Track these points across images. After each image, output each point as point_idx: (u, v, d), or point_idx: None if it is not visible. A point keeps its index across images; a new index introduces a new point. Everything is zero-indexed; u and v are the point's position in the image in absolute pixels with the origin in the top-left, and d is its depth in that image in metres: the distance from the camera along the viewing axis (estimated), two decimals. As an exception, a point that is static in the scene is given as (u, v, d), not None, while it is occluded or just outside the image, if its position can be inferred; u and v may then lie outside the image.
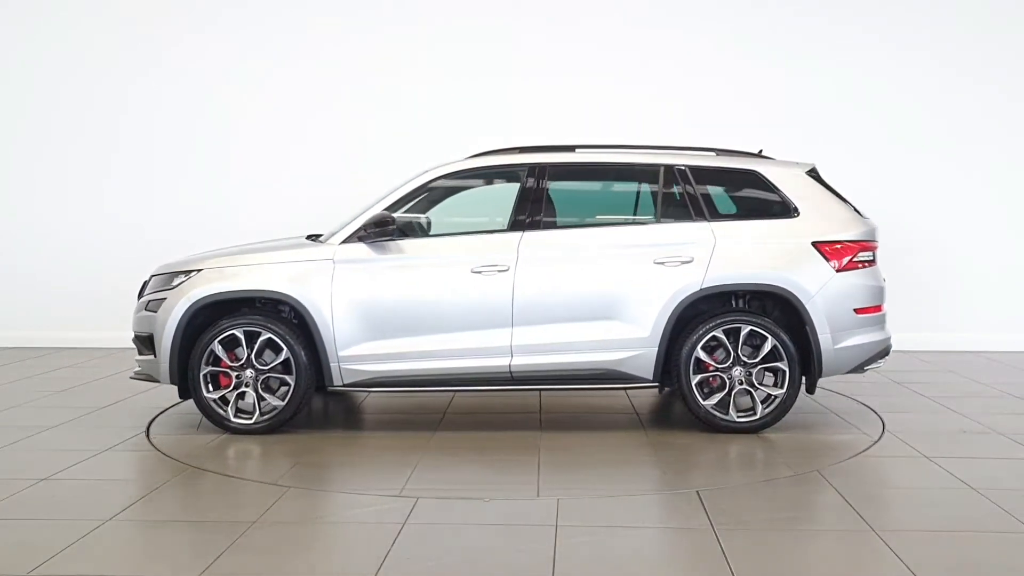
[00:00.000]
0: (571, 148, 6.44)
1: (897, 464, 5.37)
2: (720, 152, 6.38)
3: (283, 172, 9.97)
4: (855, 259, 5.93)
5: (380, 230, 5.99)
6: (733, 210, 6.18)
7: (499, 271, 5.93)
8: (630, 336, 5.88)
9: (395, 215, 6.12)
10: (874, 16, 9.62)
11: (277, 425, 6.01)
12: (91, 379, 8.06)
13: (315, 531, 4.27)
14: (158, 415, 6.59)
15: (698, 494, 4.71)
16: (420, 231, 6.48)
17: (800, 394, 6.05)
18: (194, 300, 6.00)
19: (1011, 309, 9.53)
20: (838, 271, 5.88)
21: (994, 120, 9.57)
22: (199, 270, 6.15)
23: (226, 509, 4.62)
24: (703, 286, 5.85)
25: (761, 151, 6.51)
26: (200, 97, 10.03)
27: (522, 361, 5.93)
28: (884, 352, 6.11)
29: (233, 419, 5.99)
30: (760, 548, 4.01)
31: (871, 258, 6.00)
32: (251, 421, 5.99)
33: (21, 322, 9.99)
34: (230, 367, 5.98)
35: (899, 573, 3.71)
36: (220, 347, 5.96)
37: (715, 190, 6.18)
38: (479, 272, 5.93)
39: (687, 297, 5.85)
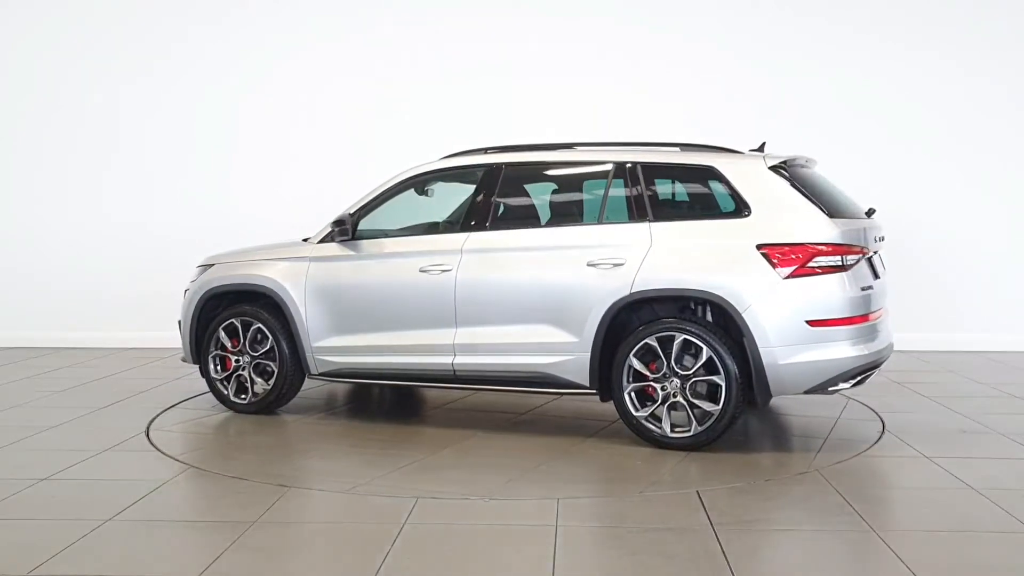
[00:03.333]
0: (546, 147, 6.28)
1: (897, 464, 5.37)
2: (685, 147, 5.96)
3: (284, 172, 9.97)
4: (809, 264, 5.25)
5: (340, 230, 6.33)
6: (681, 209, 5.83)
7: (443, 271, 5.98)
8: (563, 340, 5.66)
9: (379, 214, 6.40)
10: (874, 15, 9.63)
11: (265, 407, 6.54)
12: (91, 379, 8.05)
13: (315, 531, 4.27)
14: (158, 415, 6.59)
15: (698, 494, 4.71)
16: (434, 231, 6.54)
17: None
18: (204, 291, 6.76)
19: (1011, 309, 9.52)
20: (786, 278, 5.24)
21: (996, 120, 9.56)
22: (213, 265, 6.87)
23: (226, 509, 4.61)
24: (632, 290, 5.47)
25: (763, 145, 6.17)
26: (199, 97, 10.03)
27: (463, 360, 5.95)
28: (861, 370, 5.43)
29: (232, 398, 6.61)
30: (760, 548, 4.01)
31: (839, 264, 5.28)
32: (245, 402, 6.58)
33: (21, 322, 9.99)
34: (230, 352, 6.59)
35: (899, 573, 3.71)
36: (224, 334, 6.60)
37: (666, 188, 5.84)
38: (426, 271, 6.02)
39: (617, 301, 5.49)
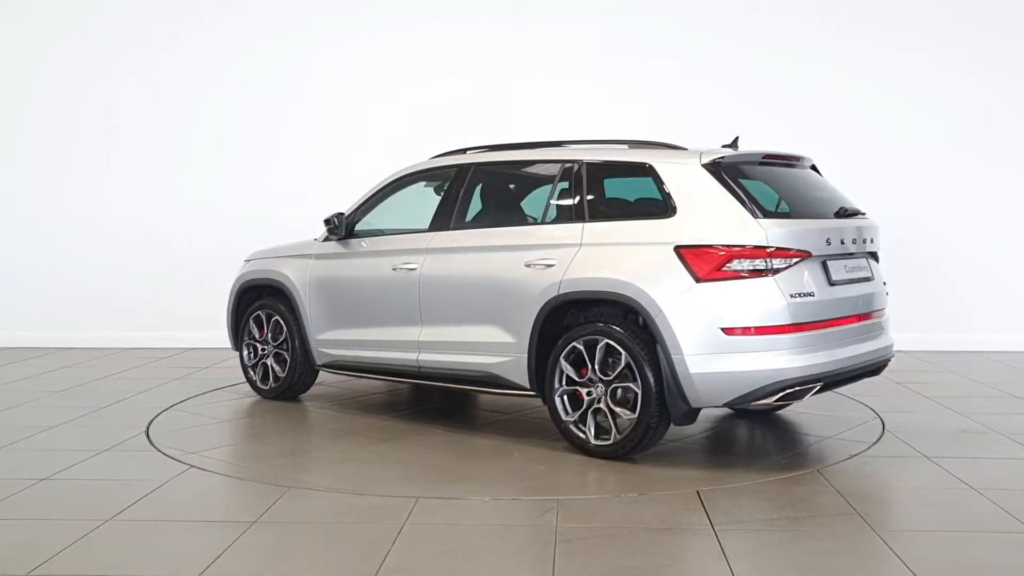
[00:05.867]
0: (520, 147, 6.23)
1: (897, 464, 5.36)
2: (634, 144, 5.76)
3: (284, 172, 9.98)
4: (727, 268, 4.91)
5: (329, 228, 6.67)
6: (615, 209, 5.60)
7: (409, 270, 6.11)
8: (504, 341, 5.63)
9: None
10: (873, 15, 9.64)
11: (280, 393, 7.02)
12: (91, 379, 8.06)
13: (315, 531, 4.27)
14: (158, 415, 6.59)
15: (698, 494, 4.71)
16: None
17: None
18: (239, 284, 7.34)
19: (1011, 309, 9.54)
20: (701, 281, 4.93)
21: (995, 119, 9.58)
22: (251, 260, 7.38)
23: (226, 509, 4.61)
24: (559, 292, 5.35)
25: (736, 140, 5.81)
26: (198, 97, 10.04)
27: (425, 357, 6.07)
28: (797, 383, 4.93)
29: (258, 384, 7.15)
30: (760, 548, 4.01)
31: (763, 267, 4.91)
32: (267, 388, 7.07)
33: (22, 322, 10.00)
34: (257, 341, 7.11)
35: (899, 573, 3.71)
36: (253, 324, 7.12)
37: (607, 187, 5.62)
38: (397, 270, 6.18)
39: (547, 303, 5.39)
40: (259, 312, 7.11)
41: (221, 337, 9.56)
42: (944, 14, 9.60)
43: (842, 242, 5.33)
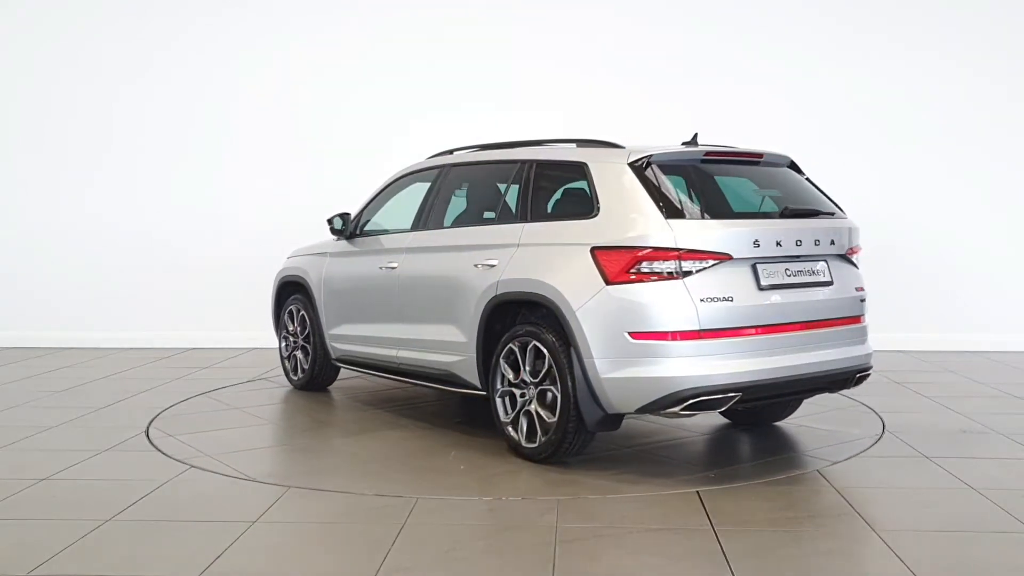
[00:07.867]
0: (500, 147, 6.22)
1: (897, 464, 5.36)
2: (582, 143, 5.61)
3: (281, 170, 9.97)
4: (635, 270, 4.73)
5: (330, 228, 6.92)
6: (552, 209, 5.52)
7: (390, 268, 6.27)
8: (457, 340, 5.67)
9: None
10: (873, 15, 9.64)
11: (305, 384, 7.35)
12: (91, 379, 8.06)
13: (315, 531, 4.27)
14: (158, 415, 6.59)
15: (698, 494, 4.71)
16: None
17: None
18: (278, 280, 7.64)
19: (1011, 309, 9.53)
20: (611, 283, 4.78)
21: (996, 120, 9.58)
22: (290, 257, 7.63)
23: (226, 509, 4.61)
24: (497, 292, 5.37)
25: (695, 136, 5.57)
26: (194, 97, 10.05)
27: (402, 354, 6.21)
28: (712, 392, 4.66)
29: (290, 375, 7.52)
30: (760, 548, 4.01)
31: (672, 270, 4.69)
32: (296, 379, 7.43)
33: (21, 322, 10.00)
34: (289, 335, 7.44)
35: (899, 573, 3.71)
36: (287, 318, 7.44)
37: (548, 187, 5.60)
38: (382, 269, 6.33)
39: (488, 303, 5.41)
40: (291, 307, 7.43)
41: (220, 337, 9.66)
42: (944, 14, 9.61)
43: (778, 244, 4.97)
